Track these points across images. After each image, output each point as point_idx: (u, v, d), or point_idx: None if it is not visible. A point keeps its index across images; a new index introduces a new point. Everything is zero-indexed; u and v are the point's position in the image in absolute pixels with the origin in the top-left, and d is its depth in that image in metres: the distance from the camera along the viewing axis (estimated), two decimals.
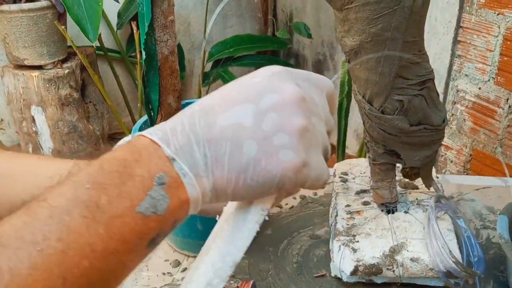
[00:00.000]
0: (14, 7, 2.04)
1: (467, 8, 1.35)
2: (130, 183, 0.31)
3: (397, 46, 0.63)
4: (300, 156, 0.35)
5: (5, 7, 2.03)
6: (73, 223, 0.28)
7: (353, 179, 0.87)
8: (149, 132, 0.34)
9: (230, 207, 0.40)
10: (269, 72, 0.37)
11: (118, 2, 2.28)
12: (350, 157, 2.20)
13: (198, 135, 0.34)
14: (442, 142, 0.78)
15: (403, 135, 0.69)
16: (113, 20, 2.41)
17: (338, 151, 1.73)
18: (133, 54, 2.44)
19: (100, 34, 2.33)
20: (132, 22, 2.10)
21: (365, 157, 0.96)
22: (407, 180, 0.80)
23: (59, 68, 2.12)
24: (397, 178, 0.79)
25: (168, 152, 0.33)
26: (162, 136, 0.33)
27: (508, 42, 1.24)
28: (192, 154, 0.33)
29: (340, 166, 0.91)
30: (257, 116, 0.34)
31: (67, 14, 1.99)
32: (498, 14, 1.26)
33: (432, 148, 0.72)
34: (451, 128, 1.47)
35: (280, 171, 0.34)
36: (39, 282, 0.26)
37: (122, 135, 2.06)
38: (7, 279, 0.25)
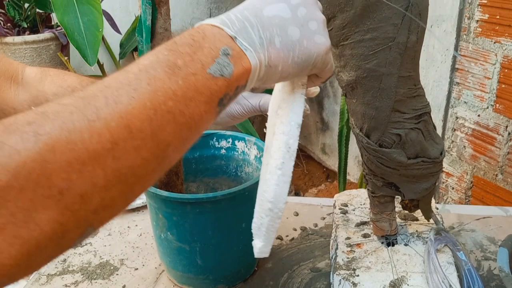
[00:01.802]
0: (18, 39, 2.07)
1: (464, 36, 1.36)
2: (200, 52, 0.38)
3: (392, 81, 0.64)
4: (328, 40, 0.46)
5: (9, 39, 2.06)
6: (158, 74, 0.35)
7: (353, 210, 0.87)
8: (206, 22, 0.41)
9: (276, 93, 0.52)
10: None
11: (120, 33, 2.32)
12: (351, 183, 2.20)
13: (251, 22, 0.41)
14: (443, 169, 0.78)
15: (401, 168, 0.69)
16: (116, 50, 2.44)
17: (340, 178, 1.73)
18: None
19: (103, 64, 2.35)
20: (134, 52, 2.13)
21: (366, 185, 0.96)
22: (406, 211, 0.80)
23: None
24: (396, 209, 0.79)
25: (230, 32, 0.40)
26: (221, 22, 0.41)
27: (506, 70, 1.26)
28: (249, 35, 0.41)
29: (340, 197, 0.91)
30: (292, 9, 0.44)
31: (70, 46, 2.02)
32: (495, 42, 1.27)
33: (430, 181, 0.72)
34: (451, 155, 1.47)
35: (317, 51, 0.44)
36: (136, 109, 0.33)
37: None
38: (112, 106, 0.32)
